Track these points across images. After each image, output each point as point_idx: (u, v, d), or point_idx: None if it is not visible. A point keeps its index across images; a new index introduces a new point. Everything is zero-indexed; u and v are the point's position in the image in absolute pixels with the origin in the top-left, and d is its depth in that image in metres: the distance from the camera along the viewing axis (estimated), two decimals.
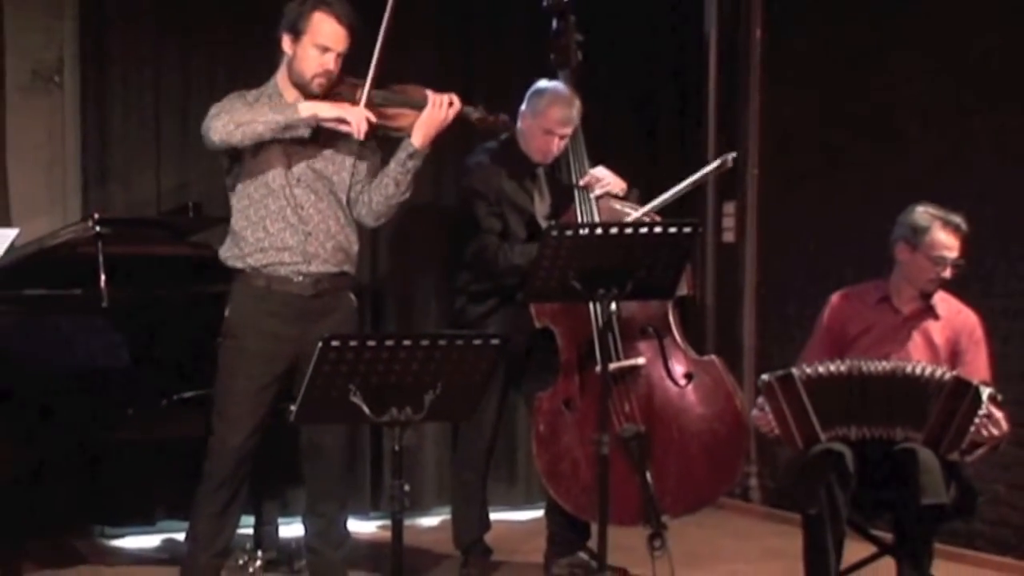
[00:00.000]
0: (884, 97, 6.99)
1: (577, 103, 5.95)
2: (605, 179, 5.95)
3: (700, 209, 7.82)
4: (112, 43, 6.71)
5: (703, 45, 7.92)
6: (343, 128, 5.07)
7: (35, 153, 6.67)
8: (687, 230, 5.23)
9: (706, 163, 7.40)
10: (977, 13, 6.56)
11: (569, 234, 5.19)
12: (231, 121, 5.02)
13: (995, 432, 5.06)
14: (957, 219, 5.34)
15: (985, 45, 6.52)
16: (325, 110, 5.06)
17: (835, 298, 5.65)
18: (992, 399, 5.03)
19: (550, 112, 5.90)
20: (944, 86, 6.71)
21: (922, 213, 5.37)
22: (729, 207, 7.84)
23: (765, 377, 5.25)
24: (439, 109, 5.18)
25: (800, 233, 7.43)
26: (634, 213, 5.88)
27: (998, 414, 5.06)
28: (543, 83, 6.01)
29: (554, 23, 6.06)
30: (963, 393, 5.04)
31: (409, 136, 5.23)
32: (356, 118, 5.04)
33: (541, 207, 6.09)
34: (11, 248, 5.17)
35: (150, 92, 6.79)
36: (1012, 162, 6.42)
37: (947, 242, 5.32)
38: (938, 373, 5.12)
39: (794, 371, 5.20)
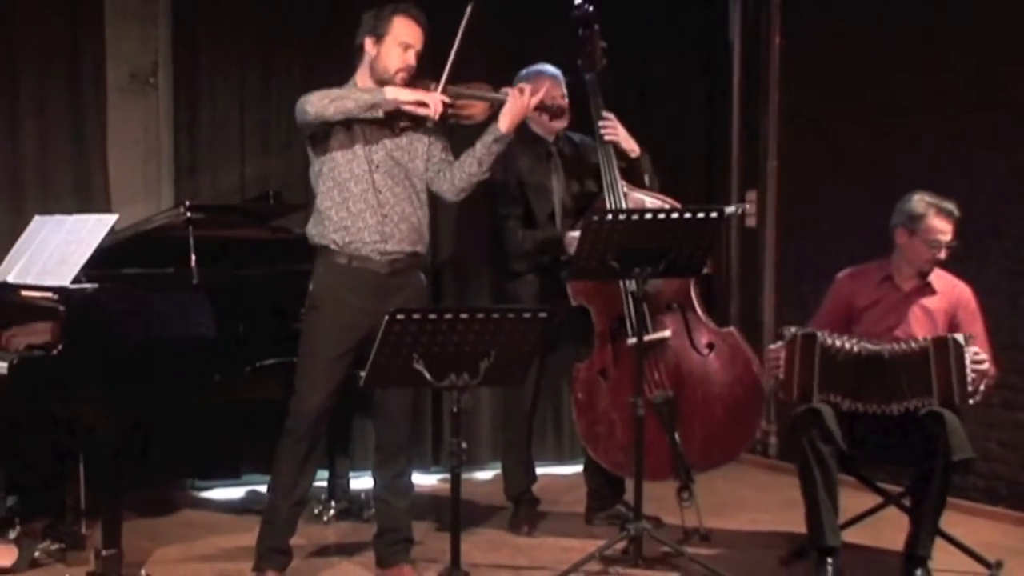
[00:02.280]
0: (889, 96, 6.97)
1: (558, 72, 6.02)
2: (612, 122, 5.96)
3: (725, 197, 7.84)
4: (201, 49, 6.79)
5: (728, 51, 7.91)
6: (421, 111, 5.12)
7: (132, 147, 6.76)
8: (713, 216, 5.28)
9: (731, 157, 7.45)
10: (976, 18, 6.54)
11: (609, 219, 5.22)
12: (325, 97, 5.08)
13: (986, 367, 5.12)
14: (950, 206, 5.35)
15: (982, 49, 6.50)
16: (406, 94, 5.12)
17: (843, 276, 5.68)
18: (967, 340, 5.08)
19: (541, 88, 5.92)
20: (944, 87, 6.68)
21: (918, 201, 5.38)
22: (751, 195, 7.83)
23: (792, 329, 5.28)
24: (522, 98, 5.26)
25: (815, 218, 7.41)
26: (657, 202, 5.88)
27: (982, 354, 5.13)
28: (524, 70, 6.05)
29: (580, 31, 6.06)
30: (945, 347, 5.08)
31: (474, 121, 5.29)
32: (433, 101, 5.10)
33: (558, 183, 6.10)
34: (111, 232, 5.25)
35: (235, 93, 6.86)
36: (1004, 154, 6.40)
37: (941, 227, 5.34)
38: (914, 344, 5.15)
39: (819, 334, 5.21)
